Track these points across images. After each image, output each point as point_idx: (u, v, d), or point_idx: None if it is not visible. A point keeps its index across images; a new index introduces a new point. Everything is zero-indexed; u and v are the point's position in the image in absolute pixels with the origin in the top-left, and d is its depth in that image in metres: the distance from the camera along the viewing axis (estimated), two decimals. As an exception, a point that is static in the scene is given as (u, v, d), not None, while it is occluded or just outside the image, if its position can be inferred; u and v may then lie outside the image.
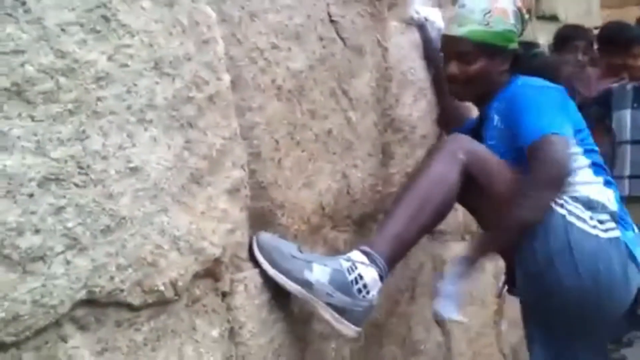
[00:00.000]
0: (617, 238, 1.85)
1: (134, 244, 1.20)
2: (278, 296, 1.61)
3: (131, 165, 1.21)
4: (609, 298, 1.85)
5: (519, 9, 2.10)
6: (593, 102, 3.96)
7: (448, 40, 2.14)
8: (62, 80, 1.09)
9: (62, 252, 1.07)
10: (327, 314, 1.62)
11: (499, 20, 2.06)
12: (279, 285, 1.59)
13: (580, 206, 1.86)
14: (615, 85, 4.00)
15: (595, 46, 4.27)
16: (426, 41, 2.35)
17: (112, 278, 1.16)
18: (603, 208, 1.89)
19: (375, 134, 2.06)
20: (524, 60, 2.14)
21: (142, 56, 1.25)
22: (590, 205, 1.87)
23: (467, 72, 2.10)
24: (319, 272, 1.61)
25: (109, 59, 1.18)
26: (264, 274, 1.58)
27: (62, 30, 1.10)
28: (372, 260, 1.68)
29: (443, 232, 2.48)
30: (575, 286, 1.81)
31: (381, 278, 1.69)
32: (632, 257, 1.88)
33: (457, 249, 2.52)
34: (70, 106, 1.10)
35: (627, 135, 3.85)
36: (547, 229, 1.81)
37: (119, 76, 1.19)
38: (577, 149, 1.93)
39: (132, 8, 1.23)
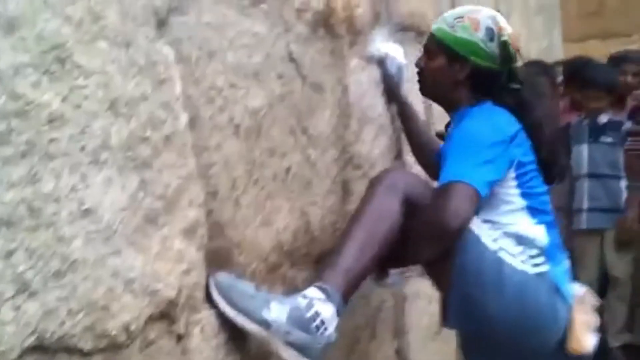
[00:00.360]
0: (545, 273, 1.90)
1: (86, 287, 1.18)
2: (235, 337, 1.60)
3: (84, 207, 1.19)
4: (536, 331, 1.89)
5: (499, 30, 2.03)
6: None
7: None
8: (14, 122, 1.08)
9: (12, 297, 1.05)
10: (287, 353, 1.61)
11: (465, 28, 2.05)
12: (236, 325, 1.58)
13: (511, 242, 1.90)
14: (573, 120, 4.10)
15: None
16: (387, 76, 2.37)
17: (62, 323, 1.14)
18: (533, 243, 1.92)
19: (335, 171, 2.06)
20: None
21: (97, 97, 1.24)
22: (520, 241, 1.91)
23: (426, 67, 2.13)
24: (277, 311, 1.60)
25: (64, 100, 1.17)
26: (220, 314, 1.56)
27: (16, 72, 1.09)
28: (328, 296, 1.69)
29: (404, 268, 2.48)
30: (503, 319, 1.86)
31: (338, 313, 1.69)
32: (560, 291, 1.91)
33: (419, 285, 2.53)
34: (22, 148, 1.09)
35: (585, 169, 3.94)
36: (480, 262, 1.84)
37: (73, 117, 1.19)
38: (513, 190, 1.95)
39: (88, 49, 1.23)
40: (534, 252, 1.91)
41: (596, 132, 3.97)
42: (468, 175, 1.81)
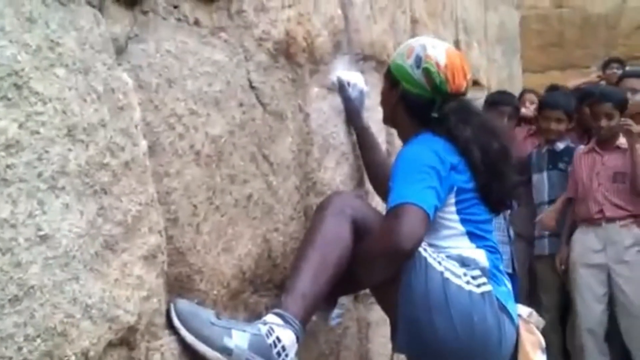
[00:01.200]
0: (489, 292, 1.93)
1: (44, 313, 1.18)
2: (196, 363, 1.59)
3: (41, 233, 1.19)
4: (484, 350, 1.92)
5: (425, 58, 2.09)
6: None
7: None
8: (-31, 148, 1.08)
9: (-34, 323, 1.04)
10: None
11: (402, 55, 2.17)
12: (196, 352, 1.57)
13: (455, 263, 1.94)
14: (535, 150, 4.19)
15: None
16: (348, 100, 2.40)
17: (19, 349, 1.13)
18: (475, 264, 1.96)
19: (297, 198, 2.08)
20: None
21: (54, 123, 1.24)
22: (463, 262, 1.95)
23: (381, 92, 2.29)
24: (238, 338, 1.60)
25: (20, 126, 1.17)
26: (181, 341, 1.56)
27: (-29, 98, 1.09)
28: (287, 322, 1.71)
29: (368, 294, 2.49)
30: (451, 339, 1.88)
31: (297, 339, 1.71)
32: (505, 310, 1.95)
33: (382, 311, 2.53)
34: (-23, 174, 1.09)
35: (545, 196, 4.01)
36: (427, 283, 1.87)
37: (30, 143, 1.19)
38: (453, 216, 1.99)
39: (45, 76, 1.23)
40: (477, 272, 1.95)
41: (554, 159, 4.06)
42: (416, 197, 1.86)
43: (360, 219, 1.93)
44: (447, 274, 1.89)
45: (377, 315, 2.52)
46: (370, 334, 2.52)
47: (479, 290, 1.91)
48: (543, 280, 4.07)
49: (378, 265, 1.88)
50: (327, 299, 1.96)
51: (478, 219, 2.03)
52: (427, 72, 2.08)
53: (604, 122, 3.77)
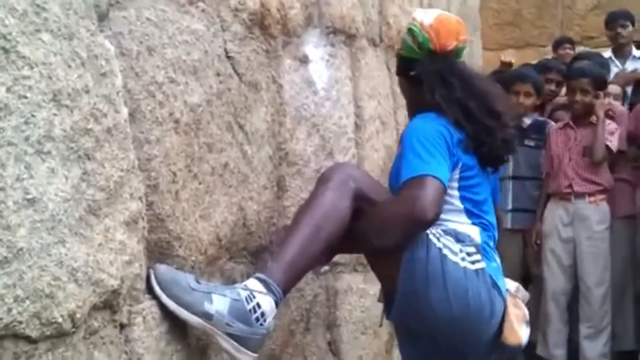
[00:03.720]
0: (482, 269, 1.99)
1: (32, 275, 1.19)
2: (176, 327, 1.62)
3: (29, 196, 1.20)
4: (477, 325, 1.98)
5: (412, 20, 2.16)
6: None
7: None
8: (-40, 110, 1.08)
9: (-41, 283, 1.06)
10: (227, 344, 1.64)
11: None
12: (177, 316, 1.60)
13: (451, 239, 1.98)
14: None
15: None
16: None
17: (9, 310, 1.14)
18: (470, 240, 2.02)
19: (271, 167, 2.11)
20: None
21: (40, 88, 1.25)
22: (458, 238, 2.00)
23: None
24: (219, 303, 1.63)
25: (8, 90, 1.18)
26: (162, 305, 1.58)
27: (-39, 60, 1.09)
28: (269, 288, 1.73)
29: (336, 263, 2.54)
30: (446, 312, 1.93)
31: (276, 305, 1.74)
32: (496, 286, 2.01)
33: (350, 280, 2.59)
34: (-32, 136, 1.09)
35: (510, 171, 4.06)
36: (427, 258, 1.92)
37: (18, 107, 1.19)
38: (454, 192, 2.04)
39: (31, 40, 1.24)
40: (471, 249, 2.00)
41: (520, 135, 4.07)
42: (434, 169, 1.91)
43: (362, 191, 1.96)
44: (445, 251, 1.94)
45: (345, 284, 2.58)
46: (337, 302, 2.57)
47: (473, 267, 1.97)
48: (504, 253, 4.15)
49: (398, 232, 1.90)
50: (321, 260, 1.99)
51: (477, 198, 2.08)
52: (411, 32, 2.14)
53: (578, 97, 3.83)
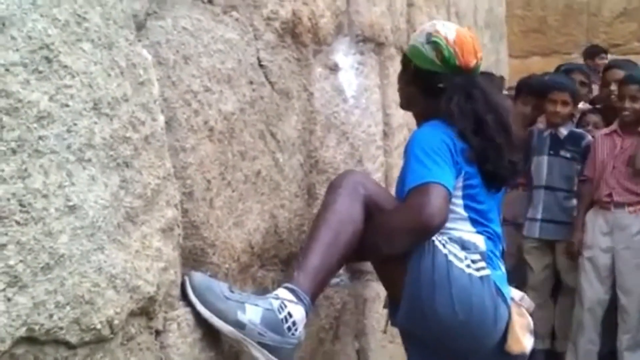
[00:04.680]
0: (487, 276, 2.00)
1: (72, 282, 1.21)
2: (209, 334, 1.64)
3: (70, 203, 1.22)
4: (480, 331, 2.00)
5: (434, 33, 2.14)
6: None
7: None
8: (5, 119, 1.10)
9: (3, 289, 1.08)
10: (259, 353, 1.65)
11: (413, 37, 2.24)
12: (211, 324, 1.61)
13: (456, 246, 2.00)
14: (535, 129, 4.16)
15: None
16: None
17: (51, 316, 1.16)
18: (475, 248, 2.04)
19: (302, 175, 2.12)
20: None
21: (82, 96, 1.27)
22: (464, 245, 2.02)
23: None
24: (252, 313, 1.64)
25: (51, 99, 1.20)
26: (196, 312, 1.60)
27: (7, 70, 1.11)
28: (298, 297, 1.75)
29: (364, 272, 2.55)
30: (451, 318, 1.95)
31: (306, 314, 1.76)
32: (501, 293, 2.03)
33: (378, 288, 2.59)
34: (13, 145, 1.11)
35: (543, 181, 4.02)
36: (433, 265, 1.94)
37: (60, 116, 1.21)
38: (458, 201, 2.05)
39: (72, 50, 1.26)
40: (476, 257, 2.01)
41: (556, 146, 4.02)
42: (439, 176, 1.93)
43: (371, 198, 1.98)
44: (450, 257, 1.96)
45: (374, 292, 2.58)
46: (365, 310, 2.57)
47: (478, 274, 1.98)
48: (532, 263, 4.11)
49: (405, 239, 1.93)
50: (341, 264, 2.00)
51: (481, 207, 2.09)
52: (435, 45, 2.12)
53: (627, 104, 3.74)
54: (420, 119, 2.22)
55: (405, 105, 2.35)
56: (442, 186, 1.92)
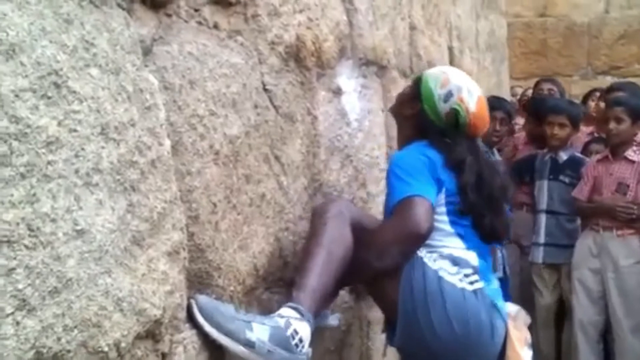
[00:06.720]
0: (481, 289, 2.04)
1: (80, 305, 1.22)
2: (215, 356, 1.64)
3: (78, 227, 1.23)
4: (478, 345, 2.02)
5: (458, 99, 2.18)
6: (515, 165, 4.16)
7: None
8: (15, 144, 1.12)
9: (12, 312, 1.08)
10: None
11: (436, 79, 2.24)
12: (215, 345, 1.62)
13: (447, 262, 2.04)
14: (540, 152, 4.18)
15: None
16: None
17: (59, 339, 1.17)
18: (466, 263, 2.07)
19: (306, 198, 2.13)
20: None
21: (89, 121, 1.28)
22: (455, 262, 2.06)
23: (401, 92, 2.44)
24: (259, 331, 1.66)
25: (59, 124, 1.21)
26: (201, 334, 1.60)
27: (16, 96, 1.13)
28: (302, 315, 1.77)
29: (368, 293, 2.54)
30: (447, 333, 1.98)
31: (311, 331, 1.77)
32: (496, 307, 2.06)
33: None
34: (22, 169, 1.13)
35: (544, 205, 4.03)
36: (425, 281, 1.98)
37: (68, 141, 1.23)
38: (443, 217, 2.10)
39: (80, 75, 1.27)
40: (469, 271, 2.05)
41: (556, 170, 4.03)
42: (419, 190, 2.01)
43: (355, 220, 2.06)
44: (441, 272, 2.00)
45: (378, 314, 2.57)
46: (370, 332, 2.57)
47: (471, 288, 2.02)
48: (538, 284, 4.11)
49: (396, 250, 1.99)
50: (336, 288, 2.05)
51: (466, 222, 2.13)
52: (454, 111, 2.18)
53: (612, 125, 3.74)
54: (402, 143, 2.29)
55: (394, 116, 2.43)
56: (423, 197, 1.99)
